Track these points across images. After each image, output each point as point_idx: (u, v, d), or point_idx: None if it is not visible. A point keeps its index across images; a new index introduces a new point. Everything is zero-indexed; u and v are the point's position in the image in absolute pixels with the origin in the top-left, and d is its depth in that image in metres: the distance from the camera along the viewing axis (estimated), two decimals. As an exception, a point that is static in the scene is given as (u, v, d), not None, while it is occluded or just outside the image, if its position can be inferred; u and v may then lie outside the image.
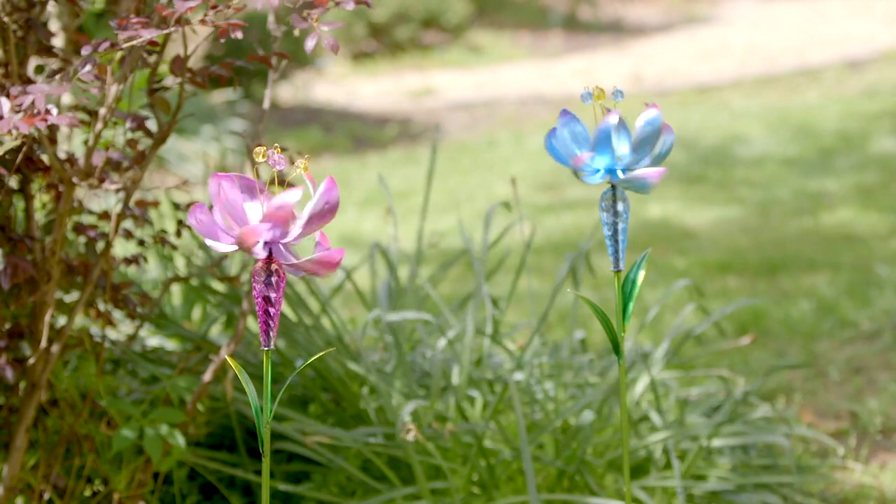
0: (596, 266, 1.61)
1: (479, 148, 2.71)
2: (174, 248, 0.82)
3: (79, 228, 0.77)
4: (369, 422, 0.84)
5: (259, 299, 0.47)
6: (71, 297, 0.79)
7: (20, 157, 0.68)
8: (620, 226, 0.51)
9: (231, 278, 0.86)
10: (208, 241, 0.46)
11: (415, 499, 0.80)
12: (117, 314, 0.90)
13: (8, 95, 0.65)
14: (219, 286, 0.91)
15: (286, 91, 3.22)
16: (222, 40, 0.63)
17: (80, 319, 0.83)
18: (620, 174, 0.50)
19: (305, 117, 3.07)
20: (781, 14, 4.66)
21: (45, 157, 0.72)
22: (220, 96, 2.63)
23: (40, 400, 0.74)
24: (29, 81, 0.71)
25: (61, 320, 0.78)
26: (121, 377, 0.84)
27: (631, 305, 0.51)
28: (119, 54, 0.68)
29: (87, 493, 0.79)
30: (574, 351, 0.97)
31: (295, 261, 0.46)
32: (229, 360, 0.47)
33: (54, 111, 0.63)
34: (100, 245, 0.79)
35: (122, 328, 0.94)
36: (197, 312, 1.02)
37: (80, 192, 0.78)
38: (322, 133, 2.90)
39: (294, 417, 0.81)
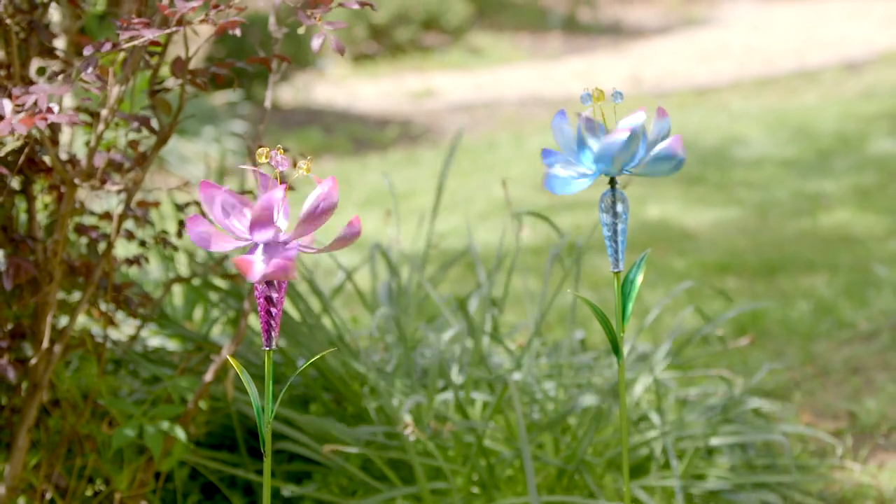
0: (595, 267, 1.61)
1: (479, 149, 2.71)
2: (175, 248, 0.82)
3: (80, 229, 0.78)
4: (370, 421, 0.84)
5: (261, 299, 0.47)
6: (73, 297, 0.80)
7: (22, 158, 0.68)
8: (620, 227, 0.51)
9: (233, 276, 0.86)
10: (212, 248, 0.46)
11: (415, 499, 0.80)
12: (119, 314, 0.91)
13: (10, 97, 0.65)
14: (221, 283, 0.91)
15: (287, 92, 3.22)
16: (221, 36, 0.64)
17: (81, 320, 0.84)
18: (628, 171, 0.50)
19: (306, 119, 3.07)
20: (780, 16, 4.68)
21: (47, 159, 0.72)
22: (221, 98, 2.64)
23: (42, 400, 0.74)
24: (31, 83, 0.71)
25: (63, 321, 0.79)
26: (122, 377, 0.84)
27: (630, 306, 0.51)
28: (121, 56, 0.69)
29: (89, 492, 0.79)
30: (574, 351, 0.97)
31: (314, 249, 0.46)
32: (231, 360, 0.48)
33: (56, 109, 0.63)
34: (101, 246, 0.80)
35: (124, 329, 0.94)
36: (198, 313, 1.02)
37: (82, 194, 0.79)
38: (323, 134, 2.90)
39: (298, 419, 0.81)
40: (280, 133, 2.82)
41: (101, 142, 0.73)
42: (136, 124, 0.73)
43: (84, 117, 0.76)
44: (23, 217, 0.78)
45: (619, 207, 0.52)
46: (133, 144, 0.75)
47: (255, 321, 0.93)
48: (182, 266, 1.17)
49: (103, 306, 0.78)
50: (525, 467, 0.76)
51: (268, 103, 0.79)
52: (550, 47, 4.26)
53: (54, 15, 0.90)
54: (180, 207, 0.83)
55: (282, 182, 0.47)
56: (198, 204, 0.83)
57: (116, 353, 0.84)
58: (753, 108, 3.00)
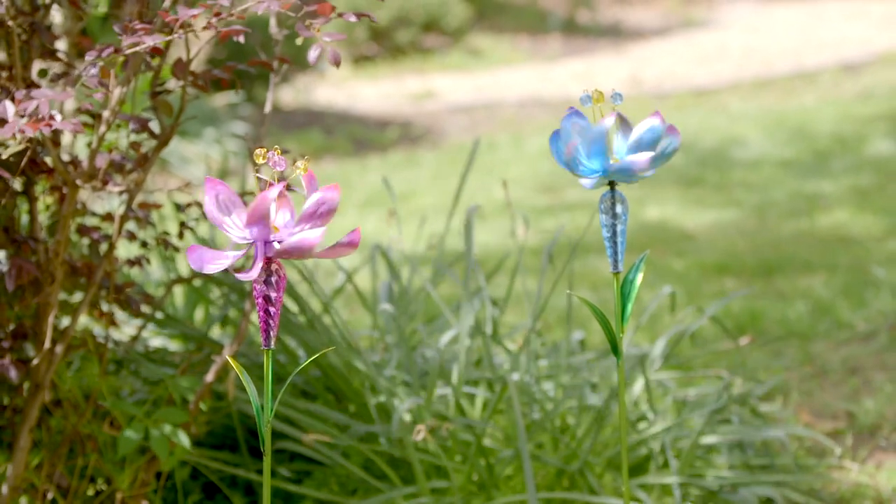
0: (595, 268, 1.61)
1: (479, 150, 2.72)
2: (177, 249, 0.83)
3: (82, 230, 0.78)
4: (371, 420, 0.84)
5: (259, 299, 0.47)
6: (74, 298, 0.80)
7: (24, 159, 0.68)
8: (619, 227, 0.52)
9: (235, 270, 0.86)
10: (206, 269, 0.46)
11: (415, 498, 0.81)
12: (120, 315, 0.91)
13: (13, 99, 0.65)
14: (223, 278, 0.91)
15: (288, 94, 3.23)
16: (224, 42, 0.64)
17: (83, 320, 0.84)
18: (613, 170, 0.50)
19: (307, 120, 3.08)
20: (778, 17, 4.68)
21: (48, 160, 0.72)
22: (222, 99, 2.64)
23: (44, 400, 0.74)
24: (33, 84, 0.72)
25: (65, 321, 0.79)
26: (124, 377, 0.84)
27: (629, 306, 0.52)
28: (122, 58, 0.69)
29: (90, 492, 0.80)
30: (573, 352, 0.98)
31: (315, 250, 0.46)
32: (231, 361, 0.48)
33: (58, 117, 0.63)
34: (103, 247, 0.80)
35: (126, 329, 0.94)
36: (199, 313, 1.03)
37: (84, 195, 0.79)
38: (323, 136, 2.91)
39: (300, 407, 0.81)
40: (281, 134, 2.83)
41: (103, 143, 0.73)
42: (137, 126, 0.74)
43: (86, 119, 0.76)
44: (25, 218, 0.78)
45: (619, 208, 0.52)
46: (135, 146, 0.76)
47: (256, 320, 0.93)
48: (183, 266, 1.17)
49: (105, 307, 0.78)
50: (524, 466, 0.77)
51: (269, 105, 0.79)
52: (550, 49, 4.27)
53: (56, 17, 0.90)
54: (181, 208, 0.83)
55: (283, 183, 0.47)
56: (199, 205, 0.83)
57: (118, 353, 0.84)
58: (752, 110, 3.01)
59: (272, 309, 0.48)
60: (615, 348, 0.52)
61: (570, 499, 0.81)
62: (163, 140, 0.74)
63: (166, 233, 0.83)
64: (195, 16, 0.63)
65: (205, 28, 0.64)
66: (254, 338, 0.91)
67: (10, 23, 0.70)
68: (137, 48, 0.64)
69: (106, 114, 0.71)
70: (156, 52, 0.66)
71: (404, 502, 0.80)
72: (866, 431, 1.08)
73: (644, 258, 0.52)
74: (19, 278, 0.71)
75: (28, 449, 0.73)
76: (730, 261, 1.65)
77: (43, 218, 0.79)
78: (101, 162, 0.73)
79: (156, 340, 0.96)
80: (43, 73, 0.76)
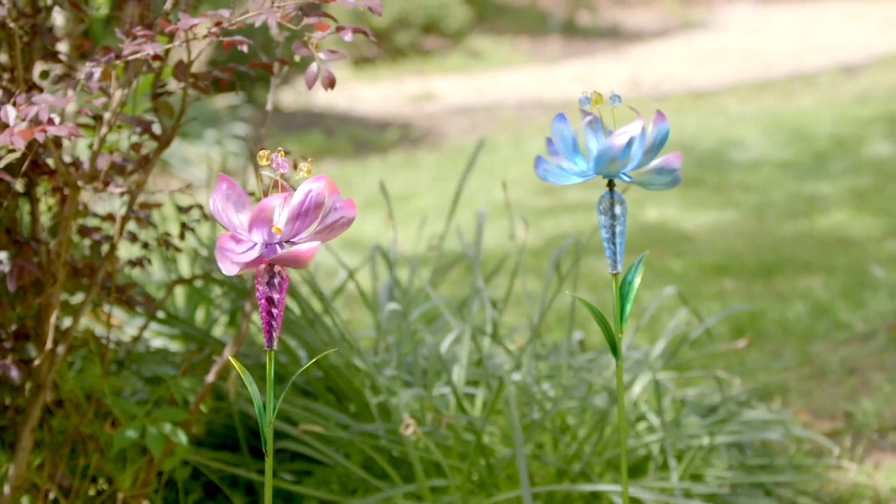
0: (594, 268, 1.62)
1: (479, 151, 2.72)
2: (178, 250, 0.83)
3: (84, 231, 0.78)
4: (372, 419, 0.85)
5: (262, 300, 0.48)
6: (76, 298, 0.80)
7: (26, 161, 0.69)
8: (618, 229, 0.52)
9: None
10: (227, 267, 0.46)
11: (415, 497, 0.81)
12: (122, 315, 0.91)
13: (14, 103, 0.66)
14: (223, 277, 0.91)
15: (288, 95, 3.23)
16: (227, 48, 0.65)
17: (85, 321, 0.84)
18: (625, 178, 0.51)
19: (307, 122, 3.08)
20: (778, 19, 4.69)
21: (50, 161, 0.73)
22: (222, 101, 2.64)
23: (46, 400, 0.75)
24: (34, 86, 0.72)
25: (67, 322, 0.79)
26: (125, 378, 0.84)
27: (628, 307, 0.52)
28: (123, 62, 0.69)
29: (92, 492, 0.80)
30: (572, 352, 0.98)
31: (307, 237, 0.46)
32: (232, 361, 0.48)
33: (56, 121, 0.64)
34: (104, 247, 0.80)
35: (127, 329, 0.95)
36: (201, 314, 1.03)
37: (85, 196, 0.79)
38: (324, 137, 2.91)
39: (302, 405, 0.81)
40: (281, 136, 2.83)
41: (104, 144, 0.73)
42: (138, 127, 0.74)
43: (87, 121, 0.77)
44: (26, 219, 0.78)
45: (618, 210, 0.52)
46: (136, 147, 0.76)
47: (258, 320, 0.93)
48: (184, 268, 1.17)
49: (106, 307, 0.79)
50: (518, 465, 0.77)
51: (269, 106, 0.79)
52: (550, 51, 4.27)
53: (57, 18, 0.91)
54: (182, 209, 0.84)
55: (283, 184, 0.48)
56: (200, 207, 0.83)
57: (119, 353, 0.85)
58: (751, 111, 3.01)
59: (275, 310, 0.48)
60: (614, 349, 0.52)
61: (569, 495, 0.81)
62: (164, 141, 0.75)
63: (167, 234, 0.83)
64: (196, 25, 0.63)
65: (206, 36, 0.64)
66: (255, 338, 0.92)
67: (11, 25, 0.70)
68: (138, 55, 0.64)
69: (107, 115, 0.71)
70: (156, 58, 0.67)
71: (404, 501, 0.80)
72: (865, 432, 1.09)
73: (643, 259, 0.52)
74: (21, 279, 0.71)
75: (30, 449, 0.74)
76: (729, 262, 1.65)
77: (45, 219, 0.79)
78: (103, 163, 0.74)
79: (157, 341, 0.96)
80: (45, 74, 0.76)
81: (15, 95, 0.68)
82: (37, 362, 0.73)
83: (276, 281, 0.48)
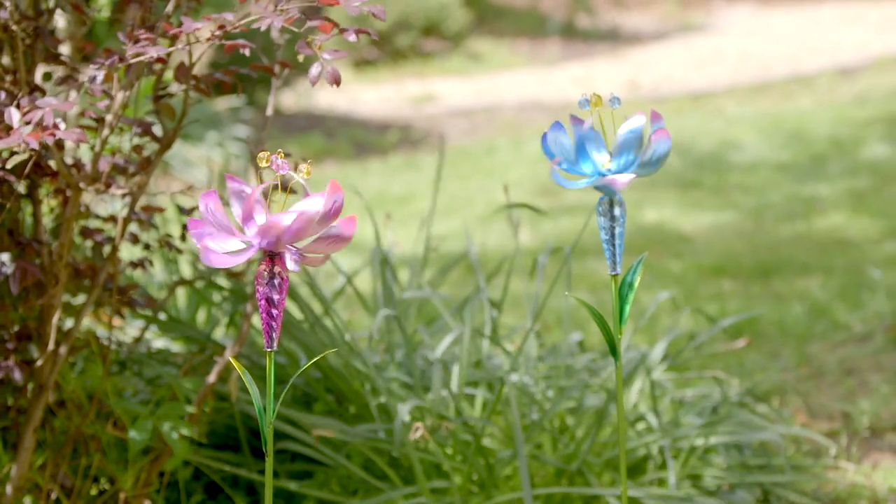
0: (593, 270, 1.62)
1: (479, 153, 2.73)
2: (179, 251, 0.83)
3: (86, 232, 0.79)
4: (371, 420, 0.85)
5: (262, 301, 0.48)
6: (78, 300, 0.81)
7: (29, 163, 0.69)
8: (617, 230, 0.52)
9: (236, 273, 0.87)
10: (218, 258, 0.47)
11: (415, 497, 0.81)
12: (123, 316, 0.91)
13: (18, 105, 0.66)
14: (224, 282, 0.92)
15: (289, 98, 3.23)
16: (229, 51, 0.65)
17: (87, 322, 0.85)
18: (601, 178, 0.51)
19: (308, 124, 3.09)
20: (775, 22, 4.70)
21: (52, 163, 0.73)
22: (224, 103, 2.65)
23: (48, 401, 0.75)
24: (37, 88, 0.73)
25: (69, 323, 0.80)
26: (127, 378, 0.85)
27: (627, 308, 0.52)
28: (125, 65, 0.70)
29: (94, 492, 0.80)
30: (571, 353, 0.98)
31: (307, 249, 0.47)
32: (233, 362, 0.49)
33: (62, 125, 0.64)
34: (106, 249, 0.80)
35: (129, 330, 0.95)
36: (202, 315, 1.03)
37: (87, 197, 0.80)
38: (324, 139, 2.92)
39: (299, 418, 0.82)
40: (282, 138, 2.84)
41: (106, 146, 0.74)
42: (140, 129, 0.74)
43: (89, 122, 0.77)
44: (29, 220, 0.79)
45: (617, 211, 0.52)
46: (137, 149, 0.76)
47: (258, 322, 0.94)
48: (186, 269, 1.18)
49: (108, 308, 0.79)
50: (519, 465, 0.77)
51: (270, 108, 0.80)
52: (549, 53, 4.28)
53: (59, 21, 0.91)
54: (184, 211, 0.84)
55: (283, 187, 0.48)
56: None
57: (121, 354, 0.85)
58: (749, 113, 3.02)
59: (274, 311, 0.48)
60: (613, 350, 0.53)
61: (570, 498, 0.81)
62: (165, 143, 0.75)
63: (169, 235, 0.83)
64: (199, 28, 0.64)
65: (208, 40, 0.64)
66: (255, 339, 0.92)
67: (14, 27, 0.70)
68: (141, 58, 0.65)
69: (109, 118, 0.72)
70: (159, 60, 0.67)
71: (404, 502, 0.80)
72: (862, 432, 1.09)
73: (642, 260, 0.53)
74: (23, 280, 0.71)
75: (32, 449, 0.74)
76: (727, 263, 1.65)
77: (47, 220, 0.79)
78: (105, 165, 0.74)
79: (159, 342, 0.96)
80: (47, 76, 0.77)
81: (18, 98, 0.68)
82: (39, 363, 0.74)
83: (275, 282, 0.48)
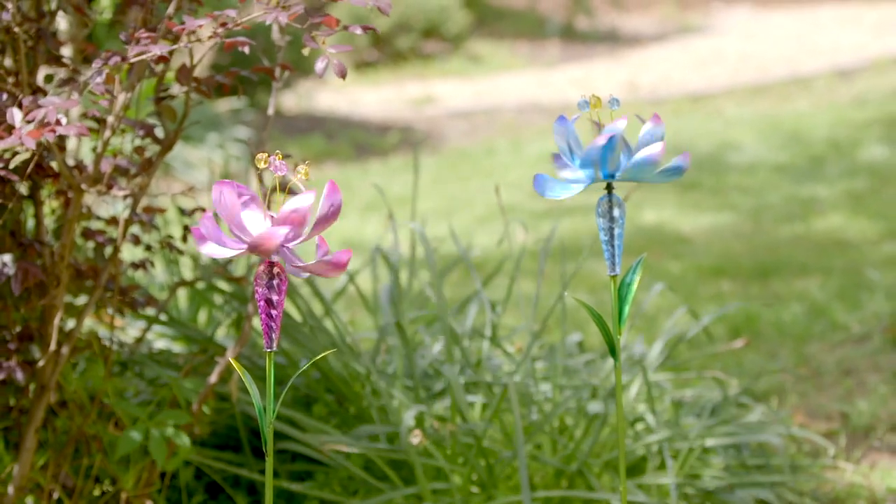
0: (593, 270, 1.62)
1: (479, 155, 2.74)
2: (180, 252, 0.84)
3: (87, 234, 0.79)
4: (371, 421, 0.85)
5: (261, 302, 0.48)
6: (80, 300, 0.81)
7: (31, 164, 0.69)
8: (617, 231, 0.52)
9: (237, 279, 0.88)
10: (212, 248, 0.47)
11: (415, 498, 0.81)
12: (125, 317, 0.92)
13: (20, 106, 0.67)
14: (225, 286, 0.93)
15: (290, 99, 3.24)
16: (229, 50, 0.66)
17: (88, 322, 0.85)
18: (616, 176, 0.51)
19: (308, 125, 3.09)
20: (774, 24, 4.71)
21: (54, 164, 0.73)
22: (225, 105, 2.66)
23: (49, 401, 0.75)
24: (39, 90, 0.73)
25: (70, 323, 0.80)
26: (128, 379, 0.85)
27: (626, 309, 0.52)
28: (127, 65, 0.70)
29: (96, 492, 0.80)
30: (571, 353, 0.99)
31: (302, 263, 0.48)
32: (233, 363, 0.49)
33: (63, 121, 0.64)
34: (108, 250, 0.81)
35: (130, 331, 0.95)
36: (203, 316, 1.04)
37: (89, 199, 0.80)
38: (325, 141, 2.92)
39: (301, 421, 0.82)
40: (283, 139, 2.84)
41: (108, 148, 0.74)
42: (142, 131, 0.75)
43: (91, 124, 0.78)
44: (30, 222, 0.79)
45: (616, 212, 0.53)
46: (139, 150, 0.76)
47: (258, 324, 0.94)
48: (187, 270, 1.18)
49: (109, 309, 0.79)
50: (519, 466, 0.77)
51: (271, 110, 0.80)
52: (548, 55, 4.29)
53: (61, 23, 0.91)
54: (185, 212, 0.84)
55: (283, 188, 0.49)
56: (203, 209, 0.84)
57: (123, 355, 0.85)
58: (747, 115, 3.03)
59: (274, 312, 0.49)
60: (612, 350, 0.53)
61: (569, 498, 0.82)
62: (167, 145, 0.75)
63: (170, 236, 0.83)
64: (201, 25, 0.64)
65: (210, 37, 0.65)
66: (256, 340, 0.92)
67: (16, 29, 0.71)
68: (144, 56, 0.65)
69: (111, 119, 0.72)
70: (161, 59, 0.68)
71: (405, 503, 0.80)
72: (860, 432, 1.09)
73: (641, 261, 0.53)
74: (25, 281, 0.72)
75: (34, 449, 0.74)
76: (726, 264, 1.66)
77: (48, 222, 0.79)
78: (106, 166, 0.74)
79: (160, 342, 0.96)
80: (49, 78, 0.77)
81: (20, 99, 0.68)
82: (41, 363, 0.74)
83: (274, 283, 0.48)
